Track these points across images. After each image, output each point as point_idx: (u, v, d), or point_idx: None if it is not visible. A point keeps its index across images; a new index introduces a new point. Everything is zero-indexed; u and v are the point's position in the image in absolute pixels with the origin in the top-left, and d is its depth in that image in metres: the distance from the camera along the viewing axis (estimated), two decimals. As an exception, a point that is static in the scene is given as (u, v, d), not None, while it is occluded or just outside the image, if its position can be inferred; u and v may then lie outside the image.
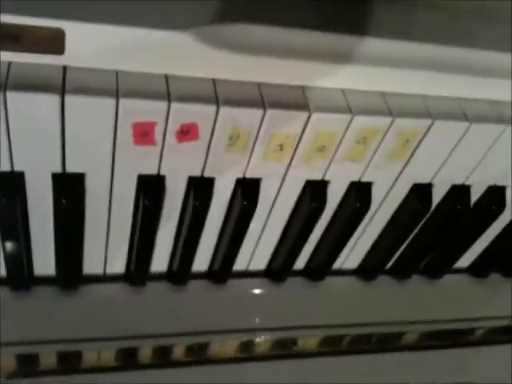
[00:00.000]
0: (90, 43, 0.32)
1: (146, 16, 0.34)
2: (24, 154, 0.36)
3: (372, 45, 0.39)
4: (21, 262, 0.43)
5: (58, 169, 0.37)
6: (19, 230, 0.40)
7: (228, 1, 0.35)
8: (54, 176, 0.38)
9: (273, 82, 0.38)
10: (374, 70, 0.39)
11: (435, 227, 0.50)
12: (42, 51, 0.31)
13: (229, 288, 0.52)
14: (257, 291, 0.53)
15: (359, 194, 0.45)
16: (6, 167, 0.36)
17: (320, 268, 0.53)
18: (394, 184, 0.46)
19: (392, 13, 0.41)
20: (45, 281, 0.46)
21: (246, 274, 0.52)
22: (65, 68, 0.33)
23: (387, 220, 0.50)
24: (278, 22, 0.36)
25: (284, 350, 0.52)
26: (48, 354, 0.45)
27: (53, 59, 0.32)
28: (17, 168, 0.36)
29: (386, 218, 0.49)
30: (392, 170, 0.45)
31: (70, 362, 0.45)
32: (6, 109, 0.32)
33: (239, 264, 0.50)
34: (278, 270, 0.52)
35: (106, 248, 0.45)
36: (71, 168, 0.37)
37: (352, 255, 0.54)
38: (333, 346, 0.54)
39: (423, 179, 0.46)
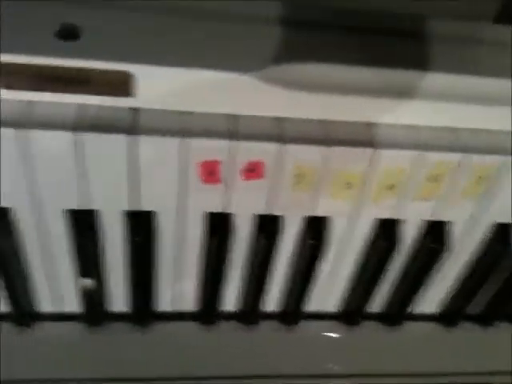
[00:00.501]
0: (158, 85, 0.34)
1: (211, 58, 0.35)
2: (98, 192, 0.37)
3: (441, 80, 0.37)
4: (95, 299, 0.44)
5: (129, 207, 0.38)
6: (94, 266, 0.41)
7: (289, 40, 0.36)
8: (126, 214, 0.39)
9: (338, 119, 0.37)
10: (444, 105, 0.38)
11: None
12: (112, 94, 0.33)
13: (301, 330, 0.50)
14: (330, 334, 0.51)
15: (433, 234, 0.43)
16: (82, 205, 0.38)
17: (396, 312, 0.50)
18: (470, 223, 0.43)
19: (453, 48, 0.39)
20: (118, 317, 0.47)
21: (319, 316, 0.51)
22: (134, 109, 0.35)
23: (466, 261, 0.47)
24: (341, 60, 0.36)
25: (359, 398, 0.50)
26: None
27: (122, 101, 0.34)
28: (92, 206, 0.38)
29: (465, 258, 0.46)
30: (468, 208, 0.42)
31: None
32: (83, 149, 0.34)
33: (311, 305, 0.49)
34: (351, 312, 0.50)
35: (173, 285, 0.45)
36: (142, 206, 0.39)
37: (430, 299, 0.50)
38: (412, 397, 0.51)
39: (503, 218, 0.43)
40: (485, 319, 0.52)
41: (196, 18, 0.36)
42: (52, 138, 0.33)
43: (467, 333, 0.52)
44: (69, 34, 0.34)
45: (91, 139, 0.34)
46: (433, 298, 0.50)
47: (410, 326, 0.52)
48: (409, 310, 0.50)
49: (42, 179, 0.36)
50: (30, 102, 0.34)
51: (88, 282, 0.43)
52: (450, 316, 0.52)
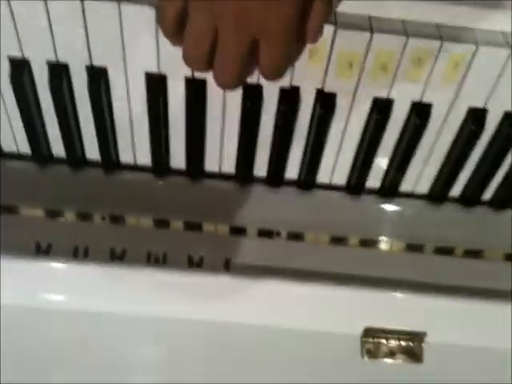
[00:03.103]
0: None
1: None
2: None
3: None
4: (161, 152, 0.56)
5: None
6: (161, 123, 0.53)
7: None
8: (187, 80, 0.49)
9: (346, 12, 0.46)
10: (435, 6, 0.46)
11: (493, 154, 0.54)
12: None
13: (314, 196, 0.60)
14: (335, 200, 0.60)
15: (418, 113, 0.51)
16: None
17: (390, 187, 0.59)
18: (451, 107, 0.51)
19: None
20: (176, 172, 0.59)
21: (330, 187, 0.60)
22: None
23: (449, 143, 0.54)
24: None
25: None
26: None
27: None
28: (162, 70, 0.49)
29: (448, 141, 0.54)
30: (448, 92, 0.50)
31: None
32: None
33: (323, 176, 0.58)
34: (355, 184, 0.59)
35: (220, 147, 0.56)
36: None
37: (421, 179, 0.58)
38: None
39: (477, 103, 0.50)
40: (469, 201, 0.60)
41: None
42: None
43: (452, 213, 0.60)
44: None
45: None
46: (423, 177, 0.58)
47: (403, 201, 0.60)
48: (399, 185, 0.58)
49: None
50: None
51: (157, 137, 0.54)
52: (436, 195, 0.60)
